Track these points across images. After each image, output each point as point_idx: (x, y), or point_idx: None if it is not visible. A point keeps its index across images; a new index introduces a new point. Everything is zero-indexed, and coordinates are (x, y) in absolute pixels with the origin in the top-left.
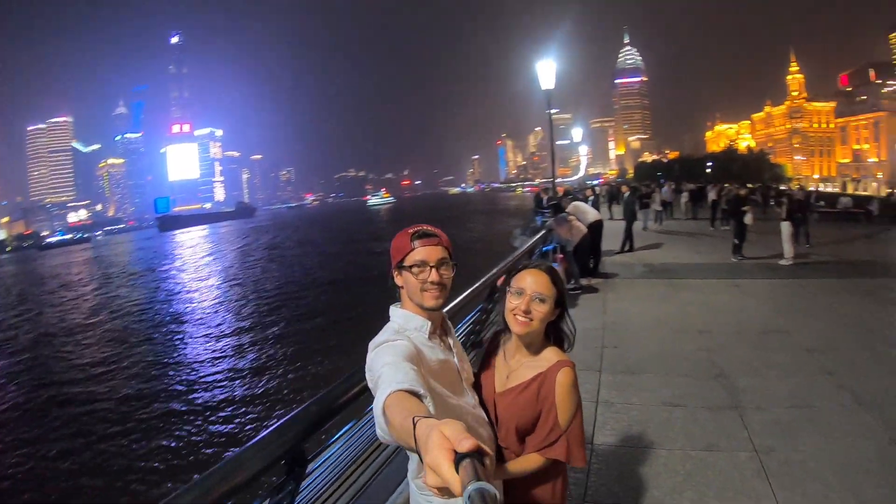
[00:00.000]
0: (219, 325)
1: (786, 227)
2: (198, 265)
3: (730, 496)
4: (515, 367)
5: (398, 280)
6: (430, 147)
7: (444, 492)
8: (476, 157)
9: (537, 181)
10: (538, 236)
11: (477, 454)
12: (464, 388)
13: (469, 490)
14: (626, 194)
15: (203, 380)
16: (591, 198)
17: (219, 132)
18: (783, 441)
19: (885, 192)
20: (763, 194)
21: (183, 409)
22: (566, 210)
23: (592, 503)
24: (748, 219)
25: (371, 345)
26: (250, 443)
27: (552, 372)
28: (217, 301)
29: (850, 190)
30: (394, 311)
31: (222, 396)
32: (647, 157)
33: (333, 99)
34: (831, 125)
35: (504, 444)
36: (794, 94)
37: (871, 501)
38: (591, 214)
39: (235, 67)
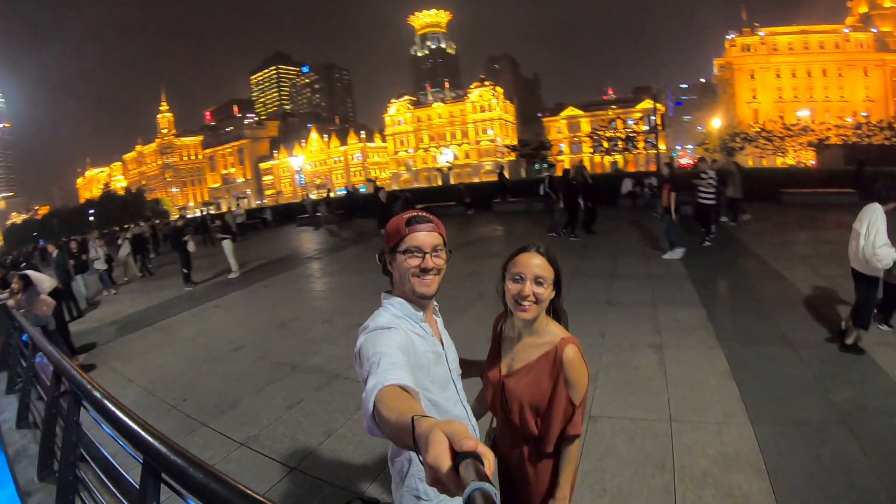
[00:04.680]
0: None
1: (227, 244)
2: None
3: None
4: (520, 350)
5: (391, 266)
6: None
7: (444, 491)
8: None
9: None
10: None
11: (477, 454)
12: (450, 380)
13: (469, 490)
14: (56, 253)
15: None
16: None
17: None
18: None
19: (255, 203)
20: (201, 223)
21: None
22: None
23: None
24: (191, 247)
25: (361, 329)
26: None
27: (559, 349)
28: None
29: (224, 208)
30: (386, 297)
31: None
32: (17, 218)
33: None
34: (200, 156)
35: (518, 423)
36: (165, 131)
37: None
38: (48, 282)
39: None
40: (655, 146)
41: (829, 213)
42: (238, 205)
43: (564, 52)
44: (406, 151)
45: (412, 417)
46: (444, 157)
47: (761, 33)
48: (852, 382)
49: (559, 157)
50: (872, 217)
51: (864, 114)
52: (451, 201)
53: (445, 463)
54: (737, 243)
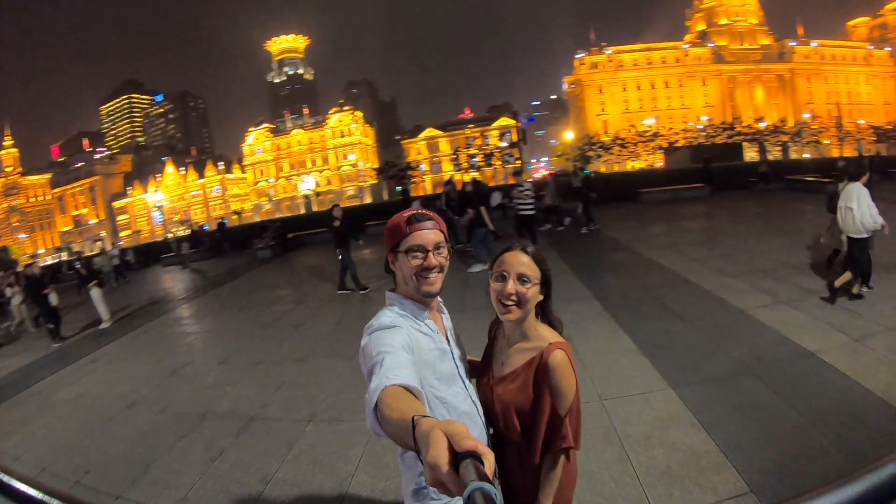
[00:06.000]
0: None
1: (96, 292)
2: None
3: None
4: (509, 355)
5: (393, 265)
6: None
7: (444, 490)
8: None
9: None
10: None
11: (477, 454)
12: (457, 376)
13: (469, 490)
14: None
15: None
16: None
17: None
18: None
19: (106, 245)
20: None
21: None
22: None
23: None
24: (53, 299)
25: (366, 329)
26: None
27: (545, 354)
28: None
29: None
30: (389, 296)
31: None
32: None
33: None
34: (49, 196)
35: (506, 434)
36: (9, 169)
37: None
38: None
39: None
40: (515, 160)
41: (684, 206)
42: (114, 243)
43: (420, 75)
44: (267, 181)
45: (413, 417)
46: (306, 184)
47: (608, 52)
48: (745, 340)
49: (423, 178)
50: (859, 193)
51: (706, 117)
52: (322, 227)
53: (444, 463)
54: (610, 240)
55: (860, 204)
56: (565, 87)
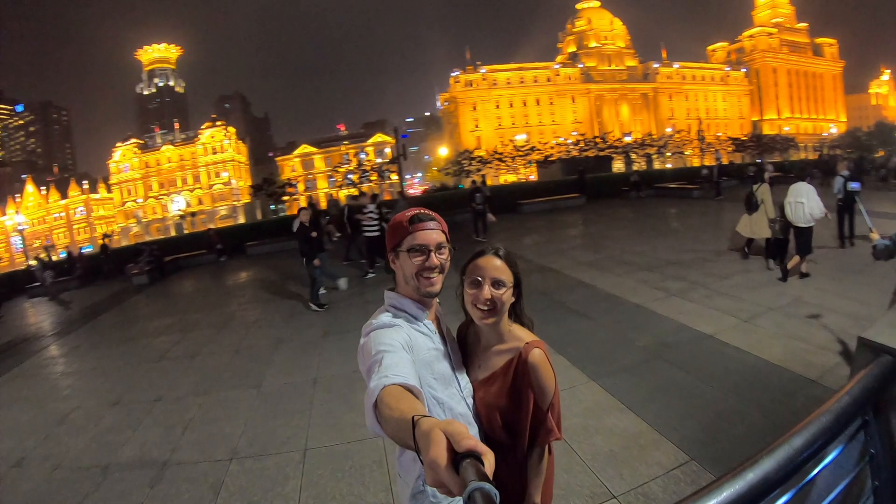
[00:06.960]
0: None
1: None
2: None
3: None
4: (486, 357)
5: (393, 264)
6: None
7: (444, 491)
8: None
9: None
10: None
11: (477, 454)
12: (453, 377)
13: (469, 490)
14: None
15: None
16: None
17: None
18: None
19: None
20: None
21: None
22: None
23: None
24: None
25: (365, 328)
26: None
27: (524, 353)
28: None
29: None
30: (389, 295)
31: None
32: None
33: None
34: None
35: (491, 435)
36: None
37: None
38: None
39: None
40: (392, 176)
41: (564, 215)
42: None
43: (294, 91)
44: (135, 201)
45: (413, 417)
46: (176, 204)
47: (483, 70)
48: (648, 331)
49: (300, 196)
50: (807, 190)
51: (574, 133)
52: (200, 249)
53: (444, 463)
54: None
55: (809, 199)
56: (439, 104)
